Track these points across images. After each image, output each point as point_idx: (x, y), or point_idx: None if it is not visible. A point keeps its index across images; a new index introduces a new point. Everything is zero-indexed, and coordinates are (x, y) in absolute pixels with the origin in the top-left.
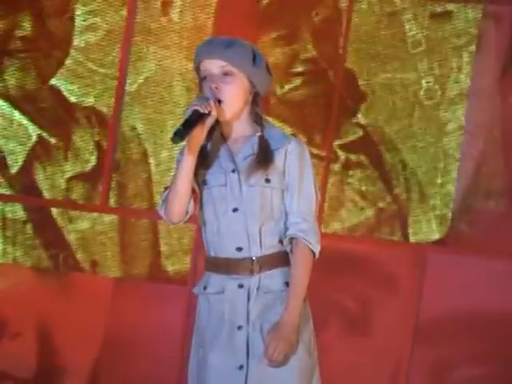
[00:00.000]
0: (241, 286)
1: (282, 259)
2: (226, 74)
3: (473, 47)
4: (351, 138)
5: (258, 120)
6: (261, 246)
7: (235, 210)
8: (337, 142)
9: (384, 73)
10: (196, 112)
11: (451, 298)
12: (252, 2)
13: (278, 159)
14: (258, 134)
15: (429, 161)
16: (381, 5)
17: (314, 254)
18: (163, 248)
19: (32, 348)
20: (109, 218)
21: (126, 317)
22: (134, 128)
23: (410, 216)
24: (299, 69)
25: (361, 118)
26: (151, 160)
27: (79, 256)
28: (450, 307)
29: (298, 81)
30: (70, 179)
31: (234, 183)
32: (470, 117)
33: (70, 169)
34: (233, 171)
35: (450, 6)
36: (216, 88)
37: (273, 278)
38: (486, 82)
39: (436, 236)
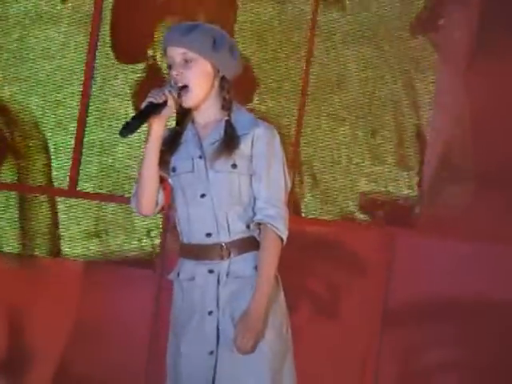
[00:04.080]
0: (211, 272)
1: (251, 244)
2: (186, 60)
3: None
4: None
5: (225, 105)
6: (229, 231)
7: (203, 195)
8: None
9: (276, 60)
10: (150, 104)
11: (420, 281)
12: None
13: (245, 144)
14: (225, 118)
15: (323, 148)
16: None
17: (281, 239)
18: (62, 230)
19: (1, 332)
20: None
21: (96, 301)
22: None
23: (302, 203)
24: None
25: (255, 105)
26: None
27: None
28: (418, 291)
29: None
30: None
31: (201, 169)
32: (438, 101)
33: None
34: (200, 157)
35: None
36: (177, 75)
37: (242, 263)
38: (453, 68)
39: None
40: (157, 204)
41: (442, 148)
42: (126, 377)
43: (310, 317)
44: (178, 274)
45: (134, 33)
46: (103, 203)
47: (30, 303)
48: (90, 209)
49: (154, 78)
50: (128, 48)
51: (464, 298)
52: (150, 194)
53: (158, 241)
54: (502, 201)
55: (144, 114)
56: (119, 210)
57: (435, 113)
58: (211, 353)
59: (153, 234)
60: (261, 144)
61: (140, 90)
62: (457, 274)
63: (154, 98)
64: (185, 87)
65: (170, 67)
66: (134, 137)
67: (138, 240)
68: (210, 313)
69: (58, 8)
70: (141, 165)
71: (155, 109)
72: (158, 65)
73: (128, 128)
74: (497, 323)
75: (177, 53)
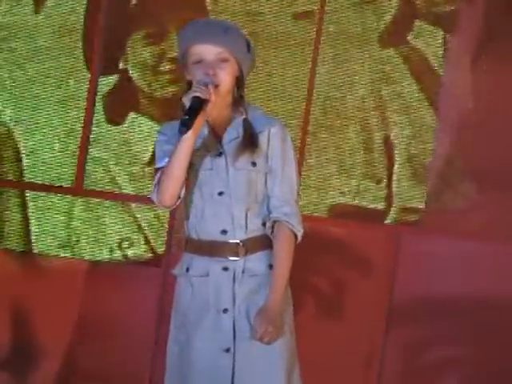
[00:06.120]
0: (225, 269)
1: (265, 242)
2: (222, 60)
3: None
4: None
5: (241, 102)
6: (246, 229)
7: (221, 193)
8: None
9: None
10: (197, 99)
11: (425, 279)
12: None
13: (262, 142)
14: (243, 116)
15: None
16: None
17: (296, 236)
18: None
19: (6, 329)
20: None
21: (100, 298)
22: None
23: None
24: (166, 67)
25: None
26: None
27: None
28: (424, 289)
29: (165, 79)
30: None
31: (221, 167)
32: (444, 100)
33: None
34: (219, 155)
35: None
36: (214, 75)
37: (257, 261)
38: (459, 66)
39: None
40: (179, 197)
41: (447, 148)
42: (131, 373)
43: (315, 315)
44: (188, 270)
45: (106, 44)
46: (75, 214)
47: (35, 301)
48: (61, 219)
49: (125, 89)
50: (99, 59)
51: (469, 296)
52: (177, 187)
53: (129, 252)
54: (506, 200)
55: (195, 110)
56: (90, 220)
57: (441, 113)
58: (227, 350)
59: (124, 245)
60: (276, 142)
61: (110, 102)
62: (462, 273)
63: (200, 93)
64: (216, 86)
65: (195, 62)
66: None
67: (110, 251)
68: (225, 310)
69: (31, 18)
70: (175, 159)
71: (202, 104)
72: (130, 76)
73: (186, 125)
74: (502, 322)
75: (211, 51)
